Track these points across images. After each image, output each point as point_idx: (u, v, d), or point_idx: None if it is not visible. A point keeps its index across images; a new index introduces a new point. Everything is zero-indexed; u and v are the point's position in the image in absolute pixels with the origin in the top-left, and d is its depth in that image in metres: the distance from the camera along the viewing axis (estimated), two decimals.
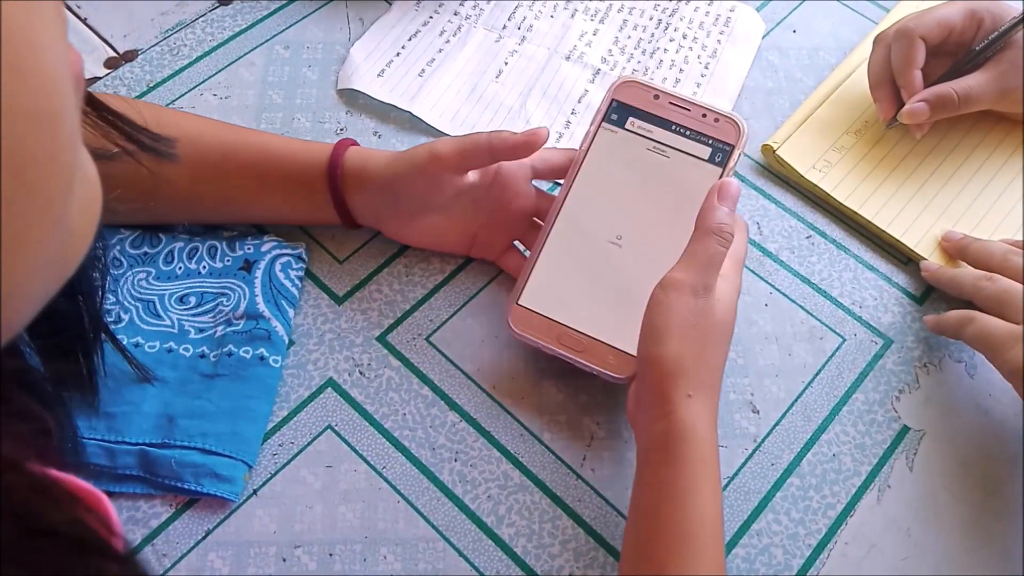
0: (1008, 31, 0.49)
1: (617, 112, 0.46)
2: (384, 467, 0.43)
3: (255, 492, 0.42)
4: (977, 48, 0.49)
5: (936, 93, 0.49)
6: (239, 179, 0.46)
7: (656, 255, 0.42)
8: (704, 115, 0.45)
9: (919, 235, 0.50)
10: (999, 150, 0.54)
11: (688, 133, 0.46)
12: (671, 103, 0.46)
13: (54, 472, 0.21)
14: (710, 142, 0.45)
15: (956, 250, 0.49)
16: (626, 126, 0.46)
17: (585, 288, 0.45)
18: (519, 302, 0.45)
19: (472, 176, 0.46)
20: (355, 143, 0.47)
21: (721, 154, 0.45)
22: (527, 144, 0.44)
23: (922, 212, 0.51)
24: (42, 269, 0.19)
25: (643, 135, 0.46)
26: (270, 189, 0.47)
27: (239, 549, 0.41)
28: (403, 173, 0.45)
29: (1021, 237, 0.49)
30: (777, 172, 0.54)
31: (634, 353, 0.41)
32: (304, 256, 0.49)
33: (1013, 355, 0.42)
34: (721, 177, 0.45)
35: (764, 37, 0.60)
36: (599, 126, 0.46)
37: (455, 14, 0.61)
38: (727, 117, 0.45)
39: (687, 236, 0.40)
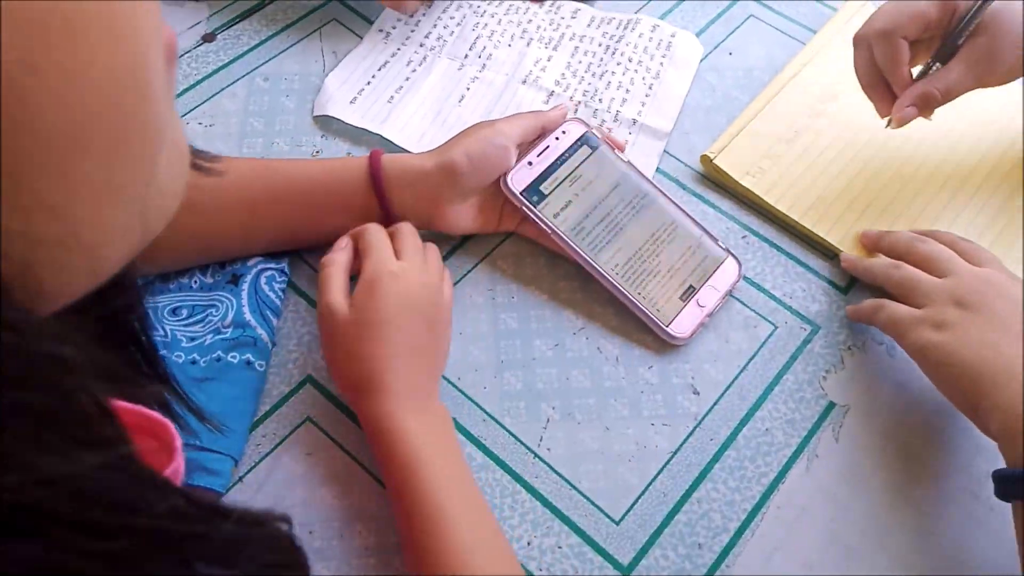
0: (976, 14, 0.50)
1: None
2: (359, 453, 0.48)
3: (240, 479, 0.47)
4: (953, 37, 0.51)
5: (920, 95, 0.52)
6: (291, 208, 0.51)
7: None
8: (559, 136, 0.55)
9: (842, 233, 0.56)
10: (915, 154, 0.59)
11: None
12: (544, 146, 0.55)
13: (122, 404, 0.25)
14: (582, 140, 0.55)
15: (871, 243, 0.54)
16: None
17: None
18: None
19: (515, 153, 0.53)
20: (383, 152, 0.52)
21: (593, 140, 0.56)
22: (561, 115, 0.56)
23: (844, 211, 0.57)
24: (134, 221, 0.22)
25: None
26: (318, 208, 0.51)
27: None
28: (467, 165, 0.51)
29: (930, 229, 0.55)
30: (715, 180, 0.59)
31: None
32: (287, 270, 0.54)
33: (915, 336, 0.47)
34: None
35: (703, 60, 0.66)
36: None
37: (420, 45, 0.66)
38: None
39: None
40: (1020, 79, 0.54)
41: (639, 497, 0.47)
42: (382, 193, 0.51)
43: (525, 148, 0.54)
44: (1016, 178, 0.58)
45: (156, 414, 0.29)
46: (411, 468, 0.42)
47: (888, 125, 0.54)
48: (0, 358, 0.17)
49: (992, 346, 0.44)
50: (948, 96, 0.52)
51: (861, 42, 0.54)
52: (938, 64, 0.52)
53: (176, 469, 0.29)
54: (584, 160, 0.55)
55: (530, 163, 0.54)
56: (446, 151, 0.52)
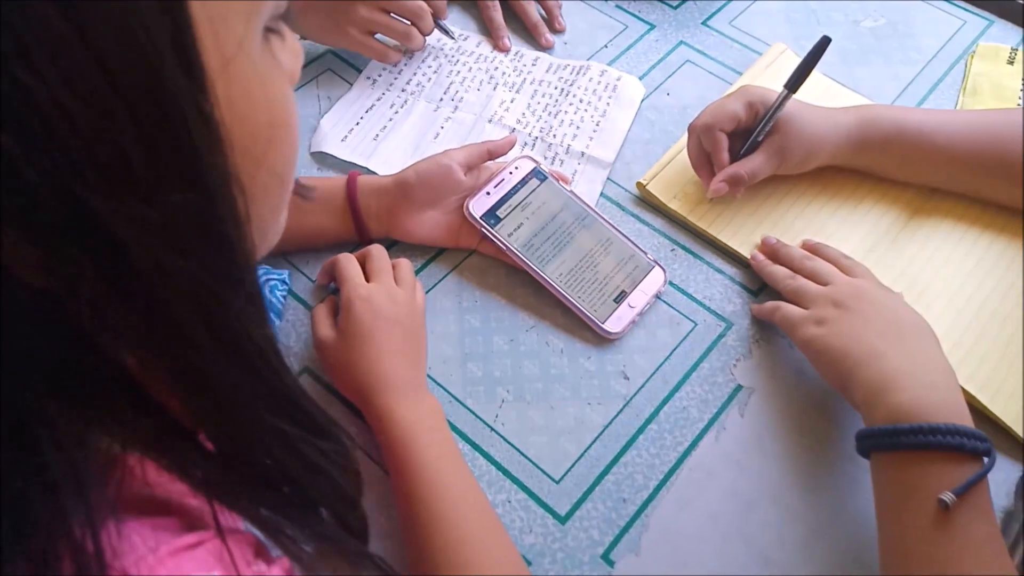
0: (772, 116, 0.63)
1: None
2: (357, 438, 0.58)
3: None
4: (755, 135, 0.65)
5: (730, 175, 0.64)
6: (292, 209, 0.63)
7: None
8: (512, 171, 0.66)
9: (751, 245, 0.66)
10: (814, 183, 0.70)
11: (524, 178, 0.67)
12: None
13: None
14: (532, 173, 0.67)
15: (770, 253, 0.65)
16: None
17: None
18: None
19: (468, 177, 0.64)
20: (360, 174, 0.65)
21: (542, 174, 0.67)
22: (509, 143, 0.67)
23: (755, 228, 0.67)
24: (275, 216, 0.32)
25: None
26: (309, 209, 0.63)
27: None
28: (415, 179, 0.63)
29: (820, 240, 0.65)
30: (648, 202, 0.70)
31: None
32: (287, 280, 0.65)
33: (802, 332, 0.57)
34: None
35: (644, 99, 0.77)
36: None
37: (402, 90, 0.78)
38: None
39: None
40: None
41: (576, 462, 0.57)
42: (354, 200, 0.63)
43: (483, 180, 0.66)
44: (893, 200, 0.69)
45: None
46: (407, 449, 0.52)
47: (708, 195, 0.67)
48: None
49: (857, 337, 0.54)
50: (753, 178, 0.65)
51: (692, 132, 0.67)
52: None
53: None
54: (534, 190, 0.66)
55: (488, 192, 0.65)
56: (403, 171, 0.64)
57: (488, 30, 0.82)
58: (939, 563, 0.46)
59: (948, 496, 0.46)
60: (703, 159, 0.67)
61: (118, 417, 0.26)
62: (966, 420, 0.49)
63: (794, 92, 0.63)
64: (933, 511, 0.46)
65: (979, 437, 0.47)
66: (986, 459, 0.47)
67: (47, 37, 0.19)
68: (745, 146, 0.65)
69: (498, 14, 0.82)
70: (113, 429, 0.26)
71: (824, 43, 0.62)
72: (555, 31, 0.83)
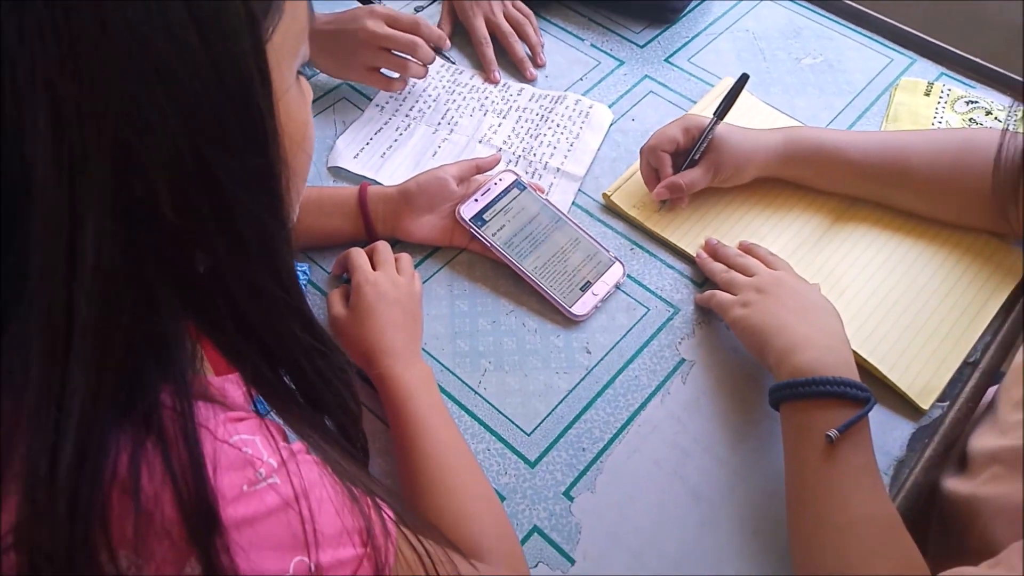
0: (705, 138, 0.77)
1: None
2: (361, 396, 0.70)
3: None
4: (692, 154, 0.78)
5: (669, 183, 0.78)
6: (311, 209, 0.76)
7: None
8: (497, 182, 0.79)
9: (697, 245, 0.79)
10: (752, 194, 0.83)
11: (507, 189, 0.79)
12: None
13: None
14: (514, 184, 0.79)
15: (711, 251, 0.77)
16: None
17: None
18: None
19: (460, 188, 0.77)
20: (369, 184, 0.79)
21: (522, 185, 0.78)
22: (495, 160, 0.80)
23: (701, 232, 0.80)
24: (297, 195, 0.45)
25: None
26: (326, 212, 0.76)
27: None
28: (415, 189, 0.76)
29: (755, 241, 0.78)
30: (612, 209, 0.83)
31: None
32: (308, 271, 0.78)
33: (732, 313, 0.70)
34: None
35: (612, 124, 0.90)
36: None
37: (406, 116, 0.91)
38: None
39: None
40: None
41: (544, 419, 0.69)
42: (364, 206, 0.76)
43: (473, 188, 0.79)
44: (818, 208, 0.81)
45: None
46: (402, 402, 0.65)
47: (660, 206, 0.81)
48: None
49: (772, 314, 0.67)
50: (691, 188, 0.78)
51: (642, 154, 0.80)
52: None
53: None
54: (515, 198, 0.79)
55: (476, 200, 0.78)
56: (405, 182, 0.77)
57: (481, 65, 0.96)
58: (824, 486, 0.58)
59: (833, 432, 0.58)
60: (652, 175, 0.80)
61: (205, 318, 0.39)
62: (854, 376, 0.61)
63: (721, 119, 0.77)
64: (822, 445, 0.58)
65: (860, 388, 0.60)
66: (866, 405, 0.59)
67: (188, 61, 0.32)
68: (687, 160, 0.79)
69: (490, 51, 0.95)
70: (203, 327, 0.39)
71: (743, 79, 0.76)
72: (537, 66, 0.96)
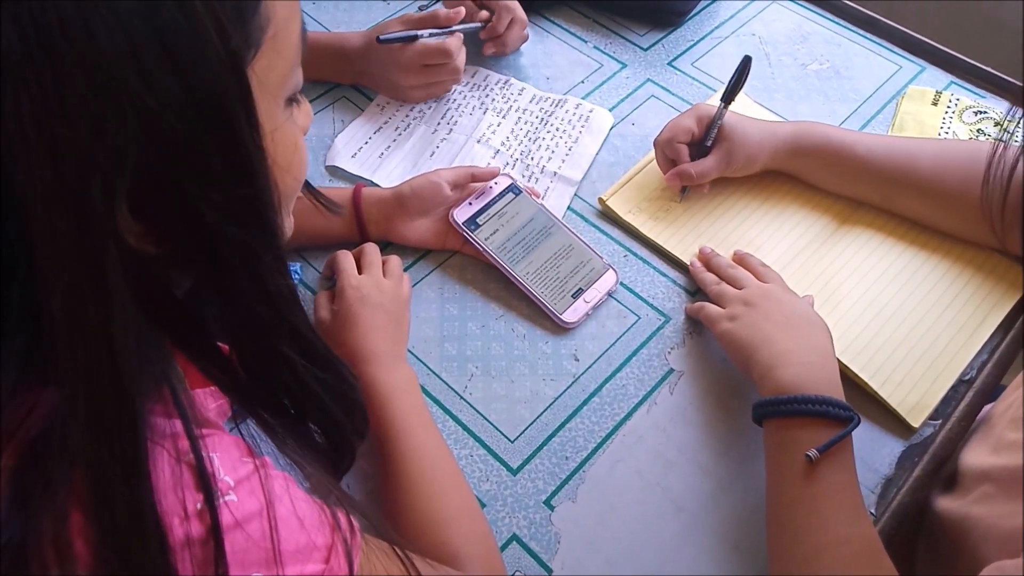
0: (714, 124, 0.77)
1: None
2: None
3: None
4: (703, 143, 0.78)
5: (679, 172, 0.78)
6: (307, 210, 0.75)
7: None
8: (492, 186, 0.79)
9: (691, 253, 0.78)
10: (750, 202, 0.82)
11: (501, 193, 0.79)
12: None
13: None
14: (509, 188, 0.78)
15: (704, 261, 0.77)
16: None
17: None
18: None
19: (454, 193, 0.77)
20: (364, 185, 0.79)
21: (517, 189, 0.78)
22: (492, 173, 0.79)
23: (696, 240, 0.79)
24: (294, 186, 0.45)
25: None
26: (320, 215, 0.75)
27: None
28: (409, 193, 0.76)
29: (750, 251, 0.77)
30: (608, 215, 0.82)
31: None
32: (299, 271, 0.78)
33: (719, 326, 0.69)
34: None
35: (612, 127, 0.90)
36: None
37: (405, 116, 0.91)
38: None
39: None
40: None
41: (529, 426, 0.69)
42: (358, 207, 0.76)
43: (467, 193, 0.78)
44: (820, 215, 0.80)
45: None
46: (382, 406, 0.65)
47: (680, 196, 0.81)
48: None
49: (758, 327, 0.66)
50: (703, 177, 0.78)
51: (656, 146, 0.80)
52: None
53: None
54: (509, 202, 0.79)
55: (470, 203, 0.78)
56: (400, 185, 0.77)
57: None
58: (803, 505, 0.57)
59: (813, 452, 0.57)
60: (668, 164, 0.80)
61: (185, 341, 0.39)
62: (837, 393, 0.60)
63: (728, 104, 0.77)
64: (802, 464, 0.57)
65: (843, 407, 0.59)
66: (848, 425, 0.58)
67: (168, 99, 0.32)
68: (699, 149, 0.79)
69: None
70: (185, 349, 0.40)
71: (746, 61, 0.77)
72: (496, 52, 0.93)
